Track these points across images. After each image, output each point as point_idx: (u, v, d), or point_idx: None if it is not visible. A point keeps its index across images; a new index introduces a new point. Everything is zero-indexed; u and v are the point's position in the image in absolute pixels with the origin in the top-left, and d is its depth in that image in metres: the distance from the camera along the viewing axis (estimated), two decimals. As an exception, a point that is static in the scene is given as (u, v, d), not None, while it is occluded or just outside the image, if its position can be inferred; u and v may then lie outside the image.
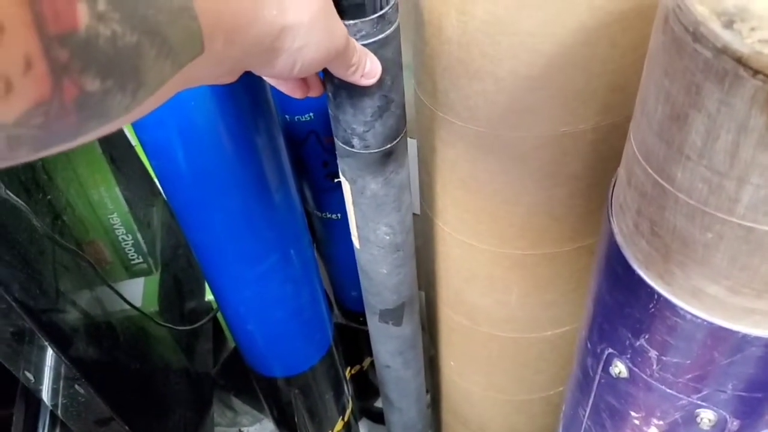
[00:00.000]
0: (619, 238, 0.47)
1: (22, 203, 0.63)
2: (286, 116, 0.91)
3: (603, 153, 0.62)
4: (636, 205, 0.43)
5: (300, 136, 0.94)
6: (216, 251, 0.72)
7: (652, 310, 0.45)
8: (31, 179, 0.74)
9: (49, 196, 0.77)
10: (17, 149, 0.24)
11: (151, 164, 0.65)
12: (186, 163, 0.62)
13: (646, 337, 0.47)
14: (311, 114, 0.92)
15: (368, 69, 0.52)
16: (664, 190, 0.39)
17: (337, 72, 0.51)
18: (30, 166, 0.78)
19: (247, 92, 0.62)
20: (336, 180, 1.00)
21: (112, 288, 0.84)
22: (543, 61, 0.55)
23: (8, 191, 0.61)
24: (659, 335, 0.46)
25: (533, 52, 0.54)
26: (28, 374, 0.61)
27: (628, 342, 0.50)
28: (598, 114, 0.58)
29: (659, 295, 0.44)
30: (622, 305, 0.49)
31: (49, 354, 0.64)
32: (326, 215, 1.05)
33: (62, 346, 0.65)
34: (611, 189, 0.50)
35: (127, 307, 0.88)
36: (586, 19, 0.51)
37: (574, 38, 0.53)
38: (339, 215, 1.04)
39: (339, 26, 0.46)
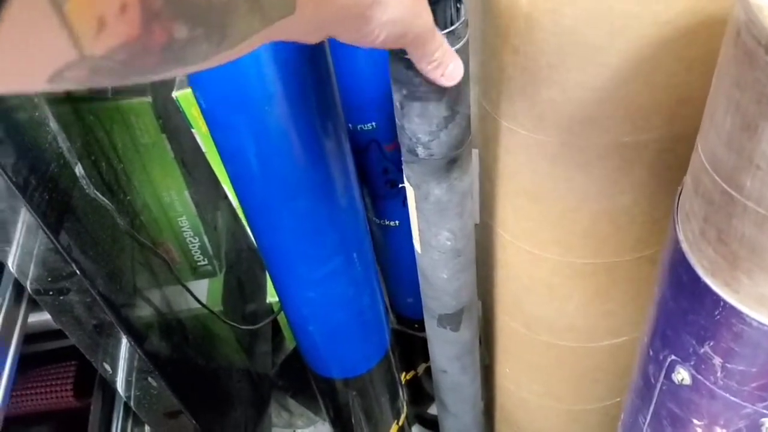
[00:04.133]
0: (684, 246, 0.48)
1: (107, 201, 0.67)
2: (349, 125, 0.94)
3: (667, 162, 0.63)
4: (703, 212, 0.44)
5: (362, 144, 0.97)
6: (283, 252, 0.74)
7: (718, 317, 0.46)
8: (114, 180, 0.78)
9: (128, 197, 0.81)
10: (97, 77, 0.25)
11: (225, 167, 0.69)
12: (258, 166, 0.65)
13: (711, 344, 0.48)
14: (374, 123, 0.94)
15: (450, 70, 0.53)
16: (732, 199, 0.40)
17: (419, 63, 0.52)
18: (112, 168, 0.83)
19: (318, 99, 0.65)
20: (400, 186, 1.02)
21: (184, 286, 0.88)
22: (608, 73, 0.56)
23: (96, 191, 0.65)
24: (724, 342, 0.47)
25: (599, 65, 0.55)
26: (106, 366, 0.64)
27: (691, 349, 0.50)
28: (662, 125, 0.59)
29: (725, 303, 0.45)
30: (687, 312, 0.49)
31: (125, 346, 0.68)
32: (385, 222, 1.07)
33: (138, 339, 0.68)
34: (677, 197, 0.51)
35: (195, 305, 0.92)
36: (652, 33, 0.52)
37: (639, 52, 0.54)
38: (397, 222, 1.06)
39: (426, 12, 0.47)
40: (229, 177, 0.68)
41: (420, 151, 0.65)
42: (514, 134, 0.67)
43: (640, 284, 0.76)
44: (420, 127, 0.62)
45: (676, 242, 0.49)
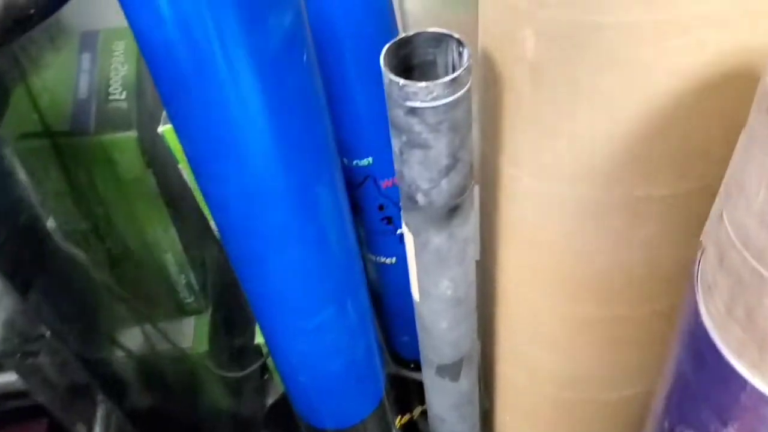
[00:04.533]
0: (707, 321, 0.44)
1: (82, 253, 0.63)
2: (344, 160, 0.90)
3: (682, 218, 0.59)
4: (729, 290, 0.40)
5: (357, 180, 0.93)
6: (272, 303, 0.70)
7: (744, 400, 0.42)
8: (94, 221, 0.74)
9: (110, 238, 0.77)
10: None
11: (211, 213, 0.65)
12: (247, 215, 0.61)
13: (735, 426, 0.44)
14: (370, 158, 0.90)
15: None
16: (765, 279, 0.36)
17: None
18: (92, 208, 0.79)
19: (313, 143, 0.61)
20: (398, 232, 0.99)
21: (167, 338, 0.83)
22: (622, 125, 0.52)
23: (70, 243, 0.61)
24: (750, 426, 0.43)
25: (612, 115, 0.52)
26: (80, 428, 0.60)
27: (713, 427, 0.46)
28: (676, 179, 0.55)
29: (752, 387, 0.41)
30: (708, 389, 0.46)
31: (102, 407, 0.64)
32: (380, 259, 1.03)
33: (116, 399, 0.64)
34: (696, 266, 0.47)
35: (180, 348, 0.88)
36: (670, 84, 0.49)
37: (655, 103, 0.50)
38: (394, 259, 1.02)
39: None
40: (216, 224, 0.64)
41: (419, 198, 0.61)
42: (518, 181, 0.63)
43: (651, 337, 0.72)
44: (420, 175, 0.59)
45: (697, 315, 0.45)
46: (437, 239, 0.65)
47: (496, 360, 0.87)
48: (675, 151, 0.53)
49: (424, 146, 0.56)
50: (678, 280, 0.65)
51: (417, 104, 0.53)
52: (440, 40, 0.57)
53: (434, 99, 0.53)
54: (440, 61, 0.59)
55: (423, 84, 0.52)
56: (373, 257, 1.03)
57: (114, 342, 0.68)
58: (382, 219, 0.98)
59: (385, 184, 0.94)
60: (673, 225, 0.60)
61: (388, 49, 0.56)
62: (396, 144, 0.59)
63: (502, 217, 0.69)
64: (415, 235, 0.66)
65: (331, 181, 0.66)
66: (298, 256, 0.66)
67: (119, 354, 0.68)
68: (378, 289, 1.09)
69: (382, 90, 0.90)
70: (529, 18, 0.50)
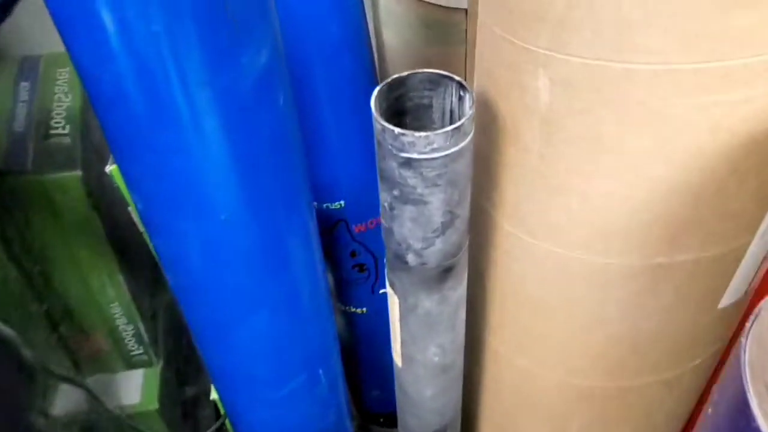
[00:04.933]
0: (760, 421, 0.37)
1: (10, 331, 0.54)
2: (315, 203, 0.82)
3: (703, 287, 0.53)
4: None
5: (328, 224, 0.85)
6: (236, 373, 0.61)
7: None
8: (28, 283, 0.65)
9: (46, 306, 0.67)
10: None
11: (165, 273, 0.56)
12: (209, 277, 0.53)
13: None
14: (342, 202, 0.83)
15: None
16: None
17: None
18: (29, 266, 0.69)
19: (286, 190, 0.53)
20: (381, 291, 0.92)
21: (113, 414, 0.73)
22: (648, 184, 0.46)
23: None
24: None
25: (637, 174, 0.45)
26: None
27: None
28: (702, 244, 0.49)
29: None
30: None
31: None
32: (350, 309, 0.95)
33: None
34: (743, 351, 0.40)
35: (126, 406, 0.78)
36: (707, 141, 0.43)
37: (689, 161, 0.44)
38: (365, 309, 0.94)
39: None
40: (171, 285, 0.56)
41: (410, 258, 0.53)
42: (518, 240, 0.56)
43: (651, 408, 0.65)
44: (412, 233, 0.51)
45: (748, 417, 0.38)
46: (427, 303, 0.57)
47: (479, 428, 0.79)
48: (705, 213, 0.47)
49: (418, 202, 0.49)
50: (689, 348, 0.58)
51: (414, 155, 0.46)
52: (437, 82, 0.50)
53: (434, 150, 0.46)
54: (436, 105, 0.52)
55: (422, 134, 0.45)
56: (342, 306, 0.95)
57: (50, 419, 0.59)
58: (354, 266, 0.90)
59: (358, 228, 0.86)
60: (692, 292, 0.53)
61: (379, 91, 0.48)
62: (385, 198, 0.51)
63: (496, 277, 0.62)
64: (402, 297, 0.58)
65: (305, 232, 0.58)
66: (266, 321, 0.58)
67: (56, 417, 0.58)
68: (346, 341, 1.01)
69: (357, 128, 0.83)
70: (545, 62, 0.44)
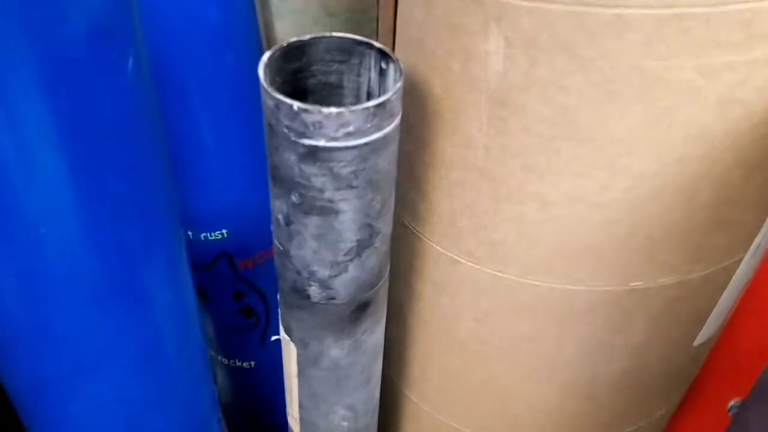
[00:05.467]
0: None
1: None
2: (189, 233, 0.67)
3: (682, 317, 0.43)
4: None
5: (206, 260, 0.70)
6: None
7: None
8: None
9: None
10: None
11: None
12: (27, 325, 0.37)
13: None
14: (224, 231, 0.68)
15: None
16: None
17: None
18: None
19: (141, 202, 0.38)
20: (273, 339, 0.76)
21: None
22: (627, 182, 0.35)
23: None
24: None
25: (617, 170, 0.34)
26: None
27: None
28: (690, 262, 0.39)
29: None
30: None
31: None
32: (235, 363, 0.79)
33: None
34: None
35: None
36: (713, 118, 0.32)
37: (687, 147, 0.33)
38: (252, 363, 0.79)
39: None
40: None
41: (314, 292, 0.40)
42: (453, 265, 0.44)
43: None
44: (317, 256, 0.38)
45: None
46: (335, 351, 0.44)
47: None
48: (697, 221, 0.37)
49: (326, 211, 0.36)
50: (655, 396, 0.48)
51: (321, 143, 0.33)
52: (350, 51, 0.38)
53: (349, 136, 0.33)
54: (348, 83, 0.39)
55: (333, 110, 0.32)
56: (225, 360, 0.79)
57: None
58: (240, 311, 0.74)
59: (244, 264, 0.71)
60: (670, 325, 0.43)
61: (270, 58, 0.35)
62: (280, 208, 0.38)
63: (420, 314, 0.49)
64: (301, 345, 0.44)
65: (169, 260, 0.43)
66: (113, 383, 0.42)
67: None
68: (230, 403, 0.84)
69: (241, 139, 0.69)
70: (500, 13, 0.32)
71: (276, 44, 0.71)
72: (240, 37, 0.63)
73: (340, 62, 0.38)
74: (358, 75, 0.39)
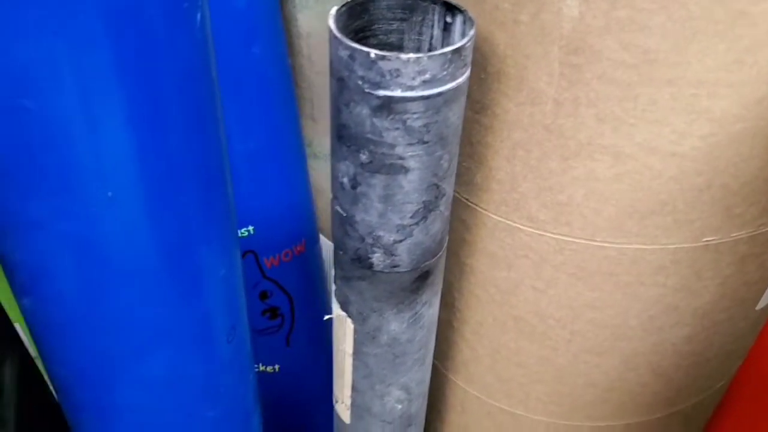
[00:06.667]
0: None
1: None
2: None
3: (751, 276, 0.42)
4: None
5: (231, 258, 0.68)
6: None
7: None
8: None
9: None
10: None
11: (21, 305, 0.37)
12: (85, 300, 0.35)
13: None
14: (251, 228, 0.66)
15: None
16: None
17: None
18: None
19: (200, 170, 0.37)
20: (326, 318, 0.74)
21: None
22: (706, 128, 0.34)
23: None
24: None
25: (697, 114, 0.34)
26: None
27: None
28: (762, 214, 0.38)
29: None
30: None
31: None
32: (258, 367, 0.77)
33: None
34: None
35: None
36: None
37: (767, 90, 0.33)
38: (276, 367, 0.76)
39: None
40: (26, 319, 0.37)
41: (377, 259, 0.38)
42: (510, 232, 0.43)
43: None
44: (383, 219, 0.37)
45: None
46: (394, 325, 0.42)
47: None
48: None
49: (396, 169, 0.35)
50: (717, 367, 0.47)
51: (396, 93, 0.32)
52: (412, 7, 0.37)
53: (425, 84, 0.32)
54: (408, 42, 0.39)
55: (412, 56, 0.31)
56: (249, 364, 0.77)
57: None
58: (265, 311, 0.73)
59: (270, 262, 0.70)
60: (737, 285, 0.42)
61: (338, 12, 0.34)
62: (345, 170, 0.36)
63: (471, 288, 0.48)
64: (360, 320, 0.42)
65: (225, 241, 0.42)
66: (167, 365, 0.40)
67: None
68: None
69: (267, 132, 0.68)
70: (578, -45, 0.31)
71: (300, 37, 0.71)
72: (265, 29, 0.62)
73: (402, 20, 0.38)
74: (420, 33, 0.38)
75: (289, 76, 0.67)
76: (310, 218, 0.74)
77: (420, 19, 0.37)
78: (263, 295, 0.71)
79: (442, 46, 0.38)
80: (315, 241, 0.76)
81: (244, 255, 0.68)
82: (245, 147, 0.64)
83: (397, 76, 0.32)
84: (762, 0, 0.30)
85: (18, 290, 0.36)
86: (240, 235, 0.67)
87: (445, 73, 0.32)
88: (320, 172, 0.77)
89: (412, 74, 0.32)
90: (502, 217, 0.43)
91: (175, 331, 0.39)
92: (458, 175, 0.45)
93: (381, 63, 0.31)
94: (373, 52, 0.31)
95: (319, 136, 0.74)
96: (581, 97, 0.35)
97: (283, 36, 0.65)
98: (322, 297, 0.78)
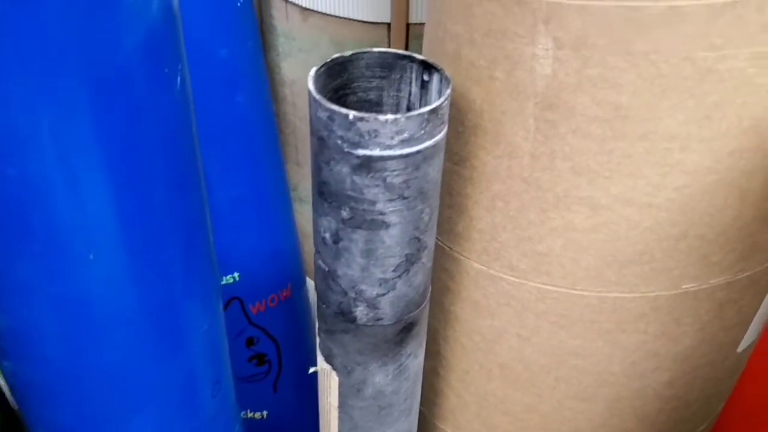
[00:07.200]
0: None
1: None
2: (201, 277, 0.65)
3: (730, 320, 0.42)
4: None
5: (217, 305, 0.68)
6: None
7: None
8: None
9: None
10: None
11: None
12: (67, 362, 0.35)
13: None
14: (236, 275, 0.67)
15: None
16: None
17: None
18: None
19: (181, 227, 0.37)
20: (311, 370, 0.74)
21: None
22: (681, 180, 0.35)
23: None
24: None
25: (670, 167, 0.34)
26: None
27: None
28: (739, 261, 0.39)
29: None
30: None
31: None
32: (246, 414, 0.76)
33: None
34: None
35: None
36: (762, 111, 0.33)
37: (738, 142, 0.34)
38: (264, 414, 0.76)
39: None
40: (8, 381, 0.37)
41: (360, 313, 0.39)
42: (493, 282, 0.43)
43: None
44: (365, 273, 0.37)
45: None
46: (380, 377, 0.42)
47: None
48: (750, 217, 0.37)
49: (377, 225, 0.35)
50: (700, 408, 0.47)
51: (375, 152, 0.33)
52: (391, 66, 0.38)
53: (403, 143, 0.33)
54: (387, 99, 0.39)
55: (390, 117, 0.32)
56: (235, 411, 0.76)
57: None
58: (251, 358, 0.72)
59: (256, 308, 0.69)
60: (717, 329, 0.42)
61: (317, 73, 0.35)
62: (327, 226, 0.37)
63: (457, 336, 0.48)
64: (344, 372, 0.43)
65: (207, 295, 0.42)
66: (152, 425, 0.40)
67: None
68: (241, 456, 0.81)
69: (251, 180, 0.68)
70: (548, 14, 0.32)
71: (284, 85, 0.72)
72: (248, 78, 0.63)
73: (381, 78, 0.38)
74: (398, 90, 0.39)
75: (273, 123, 0.68)
76: (296, 263, 0.74)
77: (398, 76, 0.38)
78: (250, 342, 0.71)
79: (420, 102, 0.39)
80: (301, 286, 0.76)
81: (229, 302, 0.68)
82: (230, 194, 0.64)
83: (376, 136, 0.32)
84: (727, 58, 0.31)
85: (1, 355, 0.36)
86: (225, 282, 0.67)
87: (422, 132, 0.33)
88: (306, 216, 0.77)
89: (391, 134, 0.32)
90: (483, 265, 0.43)
91: (159, 389, 0.39)
92: (440, 224, 0.45)
93: (360, 124, 0.32)
94: (352, 114, 0.32)
95: (304, 180, 0.75)
96: (557, 150, 0.36)
97: (267, 84, 0.66)
98: (309, 341, 0.78)
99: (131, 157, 0.31)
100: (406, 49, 0.58)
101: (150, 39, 0.30)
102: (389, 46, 0.58)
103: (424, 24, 0.45)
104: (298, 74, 0.66)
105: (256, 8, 0.62)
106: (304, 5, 0.60)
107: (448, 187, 0.43)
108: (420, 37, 0.53)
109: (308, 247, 0.81)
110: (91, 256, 0.32)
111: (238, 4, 0.58)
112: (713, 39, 0.30)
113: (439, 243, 0.46)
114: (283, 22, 0.63)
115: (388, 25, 0.56)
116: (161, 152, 0.33)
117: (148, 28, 0.29)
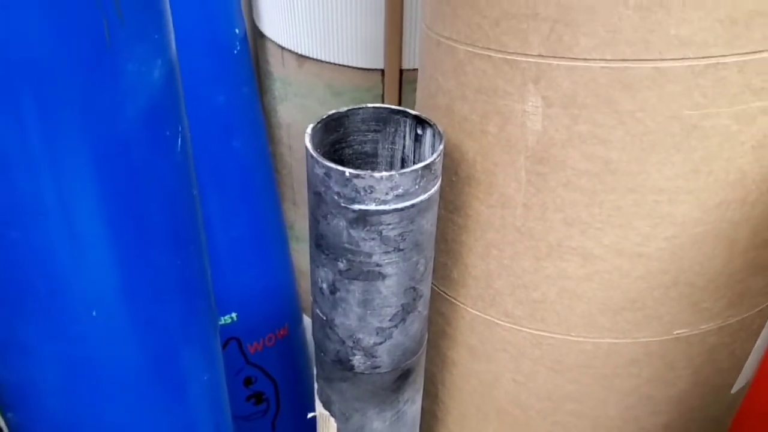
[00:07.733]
0: None
1: None
2: (199, 318, 0.66)
3: (720, 363, 0.43)
4: None
5: (215, 346, 0.68)
6: None
7: None
8: None
9: None
10: None
11: (3, 421, 0.38)
12: (70, 416, 0.35)
13: None
14: (233, 315, 0.67)
15: None
16: None
17: None
18: None
19: (182, 283, 0.38)
20: (310, 416, 0.74)
21: None
22: (670, 231, 0.36)
23: None
24: None
25: (660, 218, 0.35)
26: None
27: None
28: (729, 307, 0.39)
29: None
30: None
31: None
32: (244, 453, 0.76)
33: None
34: None
35: None
36: (749, 163, 0.34)
37: (724, 195, 0.35)
38: (263, 452, 0.76)
39: None
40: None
41: (357, 362, 0.39)
42: (489, 328, 0.44)
43: None
44: (363, 323, 0.38)
45: None
46: (377, 424, 0.43)
47: None
48: (737, 266, 0.38)
49: (373, 276, 0.36)
50: None
51: (371, 207, 0.34)
52: (385, 120, 0.39)
53: (398, 198, 0.34)
54: (382, 152, 0.40)
55: (384, 174, 0.33)
56: (233, 451, 0.76)
57: None
58: (249, 397, 0.73)
59: (254, 347, 0.70)
60: (710, 372, 0.43)
61: (313, 129, 0.36)
62: (324, 277, 0.37)
63: (454, 381, 0.49)
64: (342, 419, 0.43)
65: (207, 345, 0.42)
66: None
67: None
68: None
69: (249, 222, 0.69)
70: (538, 74, 0.34)
71: (280, 127, 0.73)
72: (245, 123, 0.64)
73: (376, 131, 0.39)
74: (393, 143, 0.40)
75: (270, 165, 0.69)
76: (293, 302, 0.75)
77: (393, 130, 0.39)
78: (248, 381, 0.71)
79: (414, 155, 0.40)
80: (298, 324, 0.77)
81: (227, 342, 0.68)
82: (227, 236, 0.65)
83: (372, 191, 0.33)
84: (712, 116, 0.32)
85: (1, 405, 0.37)
86: (223, 322, 0.67)
87: (417, 186, 0.34)
88: (302, 254, 0.78)
89: (386, 190, 0.33)
90: (479, 311, 0.44)
91: (158, 438, 0.39)
92: (436, 270, 0.46)
93: (356, 180, 0.33)
94: (348, 171, 0.33)
95: (300, 219, 0.76)
96: (548, 202, 0.37)
97: (263, 128, 0.67)
98: (307, 380, 0.78)
99: (133, 218, 0.32)
100: (400, 93, 0.59)
101: (152, 105, 0.30)
102: (383, 92, 0.59)
103: (416, 69, 0.46)
104: (294, 118, 0.67)
105: (253, 54, 0.63)
106: (300, 52, 0.61)
107: (443, 234, 0.44)
108: (413, 82, 0.54)
109: (305, 285, 0.82)
110: (94, 313, 0.33)
111: (235, 51, 0.59)
112: (697, 98, 0.31)
113: (435, 288, 0.46)
114: (279, 67, 0.64)
115: (382, 71, 0.57)
116: (162, 212, 0.34)
117: (149, 94, 0.30)
